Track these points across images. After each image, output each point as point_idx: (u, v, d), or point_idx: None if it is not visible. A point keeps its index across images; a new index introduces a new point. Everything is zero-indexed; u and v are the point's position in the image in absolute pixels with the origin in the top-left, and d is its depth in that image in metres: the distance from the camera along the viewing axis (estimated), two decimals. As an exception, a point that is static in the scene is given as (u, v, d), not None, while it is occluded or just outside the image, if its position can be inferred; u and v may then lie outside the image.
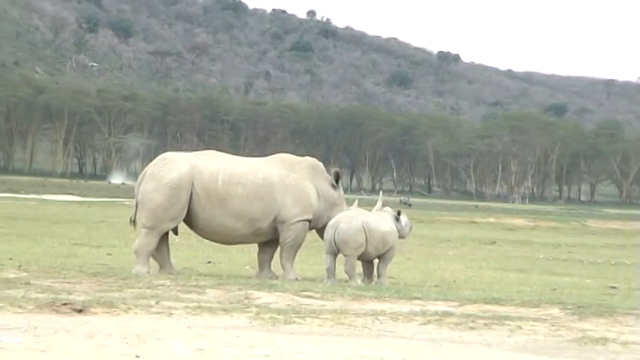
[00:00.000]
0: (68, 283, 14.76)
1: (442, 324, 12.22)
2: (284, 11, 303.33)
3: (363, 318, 12.31)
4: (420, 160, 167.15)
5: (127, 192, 59.65)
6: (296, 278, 17.32)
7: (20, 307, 11.90)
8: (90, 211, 50.29)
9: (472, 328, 12.01)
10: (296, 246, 17.82)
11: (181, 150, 27.48)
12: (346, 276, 17.24)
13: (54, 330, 10.48)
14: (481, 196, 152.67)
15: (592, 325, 12.52)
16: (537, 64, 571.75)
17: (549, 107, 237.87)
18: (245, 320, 11.87)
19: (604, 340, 11.44)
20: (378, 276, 17.53)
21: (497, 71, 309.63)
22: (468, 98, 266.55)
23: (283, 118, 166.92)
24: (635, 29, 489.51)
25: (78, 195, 76.81)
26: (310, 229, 18.10)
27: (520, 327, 12.15)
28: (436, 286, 17.92)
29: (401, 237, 17.90)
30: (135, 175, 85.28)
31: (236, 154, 20.79)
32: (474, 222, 58.89)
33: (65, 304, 11.98)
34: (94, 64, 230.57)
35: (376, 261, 17.61)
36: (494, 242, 39.44)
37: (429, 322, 12.33)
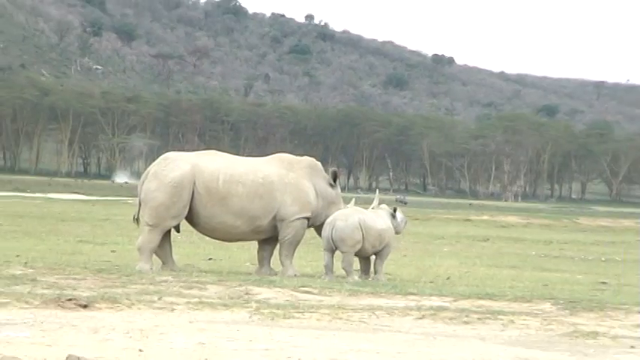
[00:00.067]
0: (73, 279, 14.89)
1: (437, 318, 12.31)
2: (283, 15, 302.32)
3: (360, 313, 12.41)
4: (416, 159, 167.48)
5: (131, 191, 59.52)
6: (295, 274, 17.46)
7: (27, 302, 12.03)
8: (94, 209, 50.18)
9: (466, 323, 12.10)
10: (295, 243, 17.98)
11: (183, 150, 27.55)
12: (344, 272, 17.41)
13: (59, 325, 10.59)
14: (475, 195, 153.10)
15: (583, 320, 12.62)
16: (529, 67, 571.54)
17: (541, 108, 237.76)
18: (245, 315, 11.97)
19: (594, 334, 11.54)
20: (375, 272, 17.67)
21: (490, 73, 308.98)
22: (462, 99, 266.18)
23: (282, 118, 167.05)
24: (624, 32, 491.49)
25: (82, 194, 76.74)
26: (309, 226, 18.26)
27: (513, 321, 12.24)
28: (431, 282, 18.00)
29: (397, 233, 18.10)
30: (138, 175, 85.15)
31: (236, 153, 20.97)
32: (468, 220, 58.67)
33: (70, 299, 12.10)
34: (98, 67, 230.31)
35: (373, 257, 17.77)
36: (488, 239, 39.30)
37: (424, 316, 12.43)
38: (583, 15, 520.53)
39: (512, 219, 61.50)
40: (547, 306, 13.70)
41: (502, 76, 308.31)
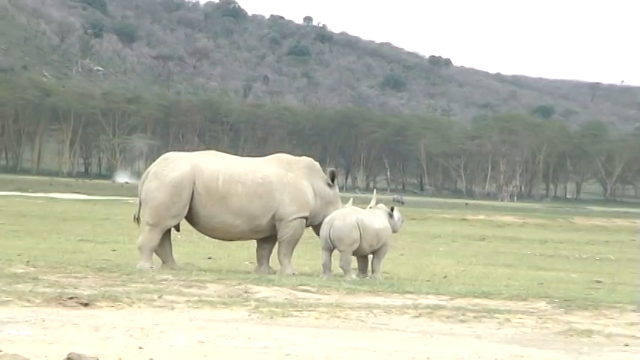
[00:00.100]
0: (74, 277, 14.96)
1: (434, 317, 12.38)
2: (282, 17, 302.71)
3: (358, 311, 12.48)
4: (413, 159, 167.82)
5: (131, 190, 59.54)
6: (293, 273, 17.55)
7: (28, 300, 12.09)
8: (95, 209, 50.27)
9: (462, 321, 12.17)
10: (293, 242, 18.10)
11: (183, 150, 27.64)
12: (341, 271, 17.51)
13: (61, 323, 10.65)
14: (471, 195, 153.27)
15: (577, 318, 12.67)
16: (525, 68, 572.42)
17: (537, 109, 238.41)
18: (244, 313, 12.05)
19: (589, 333, 11.60)
20: (373, 271, 17.77)
21: (486, 75, 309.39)
22: (459, 101, 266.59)
23: (281, 119, 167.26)
24: (619, 34, 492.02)
25: (84, 193, 76.61)
26: (307, 226, 18.37)
27: (508, 320, 12.30)
28: (428, 280, 18.08)
29: (394, 231, 18.23)
30: (138, 175, 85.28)
31: (236, 154, 21.06)
32: (465, 219, 58.85)
33: (71, 298, 12.17)
34: (99, 68, 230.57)
35: (370, 256, 17.88)
36: (484, 238, 39.46)
37: (421, 315, 12.50)
38: (578, 17, 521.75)
39: (508, 218, 61.61)
40: (542, 304, 13.74)
41: (498, 77, 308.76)
